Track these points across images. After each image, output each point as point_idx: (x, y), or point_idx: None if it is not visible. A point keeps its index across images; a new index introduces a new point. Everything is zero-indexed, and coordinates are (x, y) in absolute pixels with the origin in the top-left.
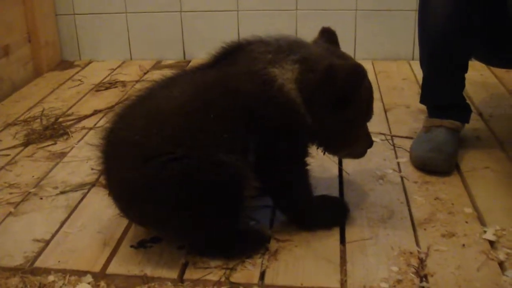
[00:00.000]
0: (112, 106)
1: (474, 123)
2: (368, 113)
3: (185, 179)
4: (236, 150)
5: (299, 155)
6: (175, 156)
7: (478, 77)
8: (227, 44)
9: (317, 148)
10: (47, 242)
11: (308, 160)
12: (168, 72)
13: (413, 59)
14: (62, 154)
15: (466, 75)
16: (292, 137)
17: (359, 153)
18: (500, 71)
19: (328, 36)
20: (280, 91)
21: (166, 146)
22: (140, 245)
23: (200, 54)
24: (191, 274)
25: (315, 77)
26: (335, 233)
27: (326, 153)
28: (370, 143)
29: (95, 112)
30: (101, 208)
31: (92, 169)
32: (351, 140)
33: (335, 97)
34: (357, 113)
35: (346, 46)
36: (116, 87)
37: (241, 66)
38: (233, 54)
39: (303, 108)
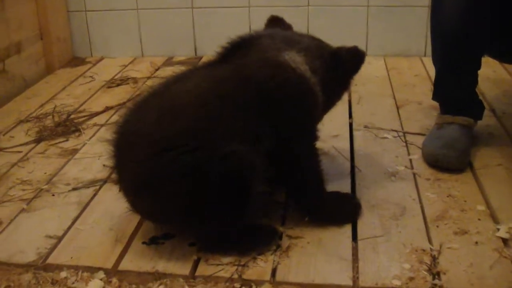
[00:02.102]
0: (124, 103)
1: (487, 119)
2: None
3: (197, 172)
4: (250, 140)
5: (311, 137)
6: (188, 148)
7: (491, 73)
8: (233, 40)
9: None
10: (60, 239)
11: (318, 145)
12: (179, 69)
13: (425, 55)
14: (74, 151)
15: (479, 72)
16: (308, 116)
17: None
18: None
19: (283, 24)
20: (295, 72)
21: (179, 138)
22: (151, 242)
23: (211, 51)
24: (203, 270)
25: (322, 61)
26: (347, 230)
27: None
28: None
29: (107, 108)
30: (113, 205)
31: (104, 165)
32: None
33: (343, 75)
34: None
35: (357, 42)
36: (127, 83)
37: (253, 56)
38: (242, 48)
39: (317, 87)
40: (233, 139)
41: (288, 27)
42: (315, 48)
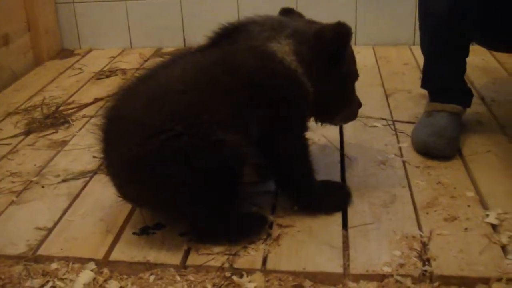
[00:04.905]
0: (113, 94)
1: (476, 107)
2: (356, 71)
3: (183, 157)
4: (237, 127)
5: (300, 128)
6: (174, 133)
7: (480, 61)
8: (223, 26)
9: (315, 120)
10: (50, 230)
11: (308, 135)
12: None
13: (414, 44)
14: (64, 143)
15: (468, 60)
16: (295, 108)
17: (353, 114)
18: (502, 56)
19: (296, 14)
20: (282, 63)
21: (166, 123)
22: (142, 232)
23: (200, 41)
24: (194, 260)
25: (308, 45)
26: (337, 218)
27: (323, 123)
28: (359, 103)
29: (96, 100)
30: (103, 196)
31: (94, 157)
32: (345, 100)
33: (328, 55)
34: (347, 70)
35: None
36: (116, 75)
37: (241, 44)
38: (232, 35)
39: (304, 77)
40: (221, 126)
41: (299, 17)
42: (301, 32)
